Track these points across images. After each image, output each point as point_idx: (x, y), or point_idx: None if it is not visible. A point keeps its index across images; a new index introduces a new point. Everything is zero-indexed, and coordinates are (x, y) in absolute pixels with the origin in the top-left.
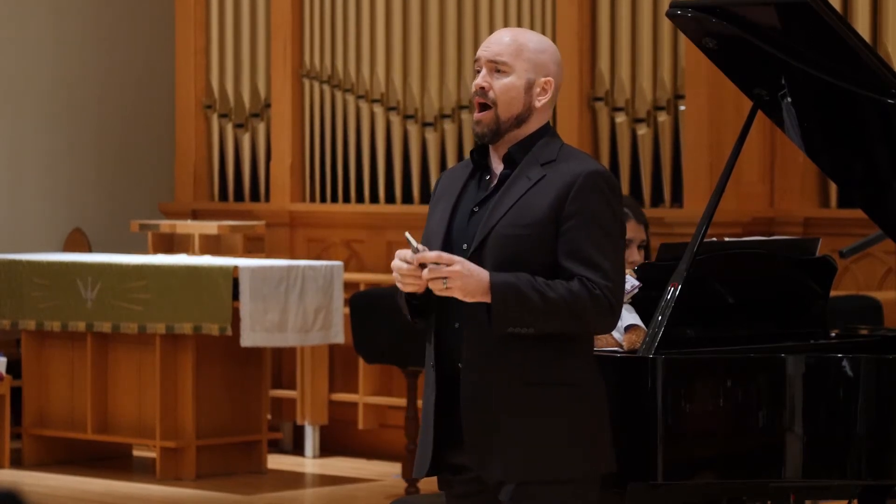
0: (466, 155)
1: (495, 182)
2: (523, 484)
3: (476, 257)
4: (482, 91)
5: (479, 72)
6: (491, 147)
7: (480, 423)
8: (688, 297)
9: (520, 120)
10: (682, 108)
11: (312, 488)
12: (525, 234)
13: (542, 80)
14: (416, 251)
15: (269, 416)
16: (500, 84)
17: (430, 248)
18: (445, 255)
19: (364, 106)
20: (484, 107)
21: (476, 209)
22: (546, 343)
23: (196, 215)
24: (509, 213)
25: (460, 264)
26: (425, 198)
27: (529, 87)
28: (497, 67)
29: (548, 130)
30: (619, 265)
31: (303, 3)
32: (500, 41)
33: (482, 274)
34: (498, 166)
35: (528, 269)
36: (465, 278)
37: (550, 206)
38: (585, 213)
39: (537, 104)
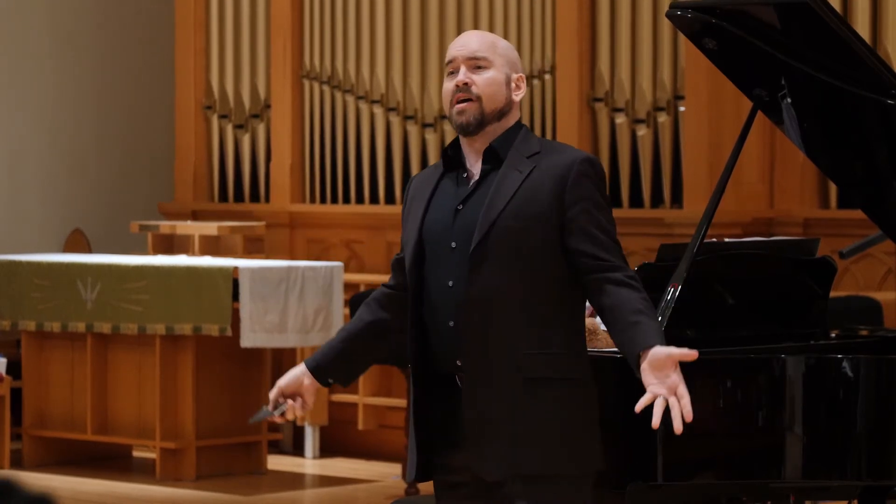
0: None
1: (476, 178)
2: (524, 479)
3: (478, 253)
4: (465, 87)
5: (452, 73)
6: (464, 145)
7: (481, 420)
8: (688, 298)
9: (501, 114)
10: (682, 108)
11: (312, 489)
12: (530, 225)
13: (516, 76)
14: None
15: None
16: (483, 78)
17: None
18: (680, 394)
19: (364, 107)
20: (467, 100)
21: (460, 207)
22: (545, 339)
23: (196, 216)
24: (510, 206)
25: (676, 374)
26: None
27: (508, 81)
28: (477, 64)
29: (522, 125)
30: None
31: (303, 4)
32: (473, 39)
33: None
34: (475, 163)
35: (532, 258)
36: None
37: (550, 197)
38: (586, 200)
39: (515, 98)
